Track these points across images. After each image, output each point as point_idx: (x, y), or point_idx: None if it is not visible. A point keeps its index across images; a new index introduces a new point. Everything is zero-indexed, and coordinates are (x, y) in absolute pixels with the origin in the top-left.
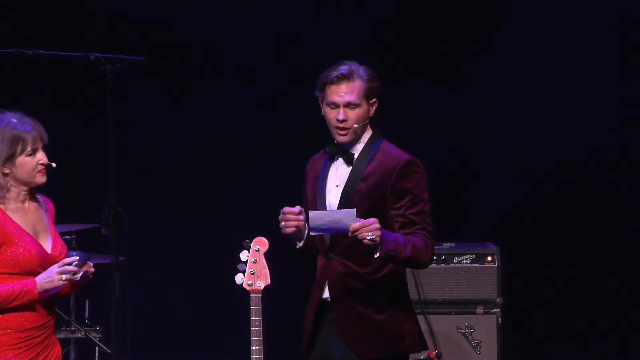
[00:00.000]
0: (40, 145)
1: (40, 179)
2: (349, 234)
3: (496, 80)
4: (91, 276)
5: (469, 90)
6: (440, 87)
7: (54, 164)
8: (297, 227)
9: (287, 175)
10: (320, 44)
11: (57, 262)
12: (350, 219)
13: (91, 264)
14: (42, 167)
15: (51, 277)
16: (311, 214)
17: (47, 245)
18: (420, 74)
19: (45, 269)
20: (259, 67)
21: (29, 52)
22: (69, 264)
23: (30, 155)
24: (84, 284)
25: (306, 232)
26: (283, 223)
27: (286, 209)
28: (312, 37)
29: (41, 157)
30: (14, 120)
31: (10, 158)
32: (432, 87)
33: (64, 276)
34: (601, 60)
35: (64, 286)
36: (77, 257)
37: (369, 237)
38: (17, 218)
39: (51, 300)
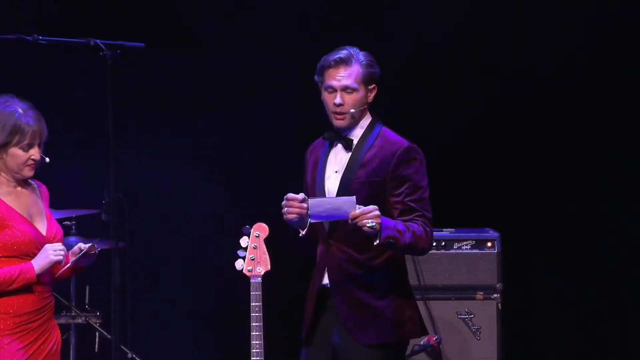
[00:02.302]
0: (37, 141)
1: (28, 173)
2: (349, 221)
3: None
4: (94, 257)
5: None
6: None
7: (47, 159)
8: (299, 214)
9: (288, 161)
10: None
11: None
12: (350, 206)
13: (96, 245)
14: (33, 162)
15: (45, 254)
16: (311, 201)
17: (42, 228)
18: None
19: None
20: (261, 58)
21: (28, 37)
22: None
23: (24, 148)
24: (86, 267)
25: (308, 220)
26: (285, 209)
27: (290, 195)
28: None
29: (34, 152)
30: (20, 111)
31: (5, 146)
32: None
33: (58, 251)
34: None
35: (62, 264)
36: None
37: (368, 225)
38: (10, 201)
39: (49, 284)
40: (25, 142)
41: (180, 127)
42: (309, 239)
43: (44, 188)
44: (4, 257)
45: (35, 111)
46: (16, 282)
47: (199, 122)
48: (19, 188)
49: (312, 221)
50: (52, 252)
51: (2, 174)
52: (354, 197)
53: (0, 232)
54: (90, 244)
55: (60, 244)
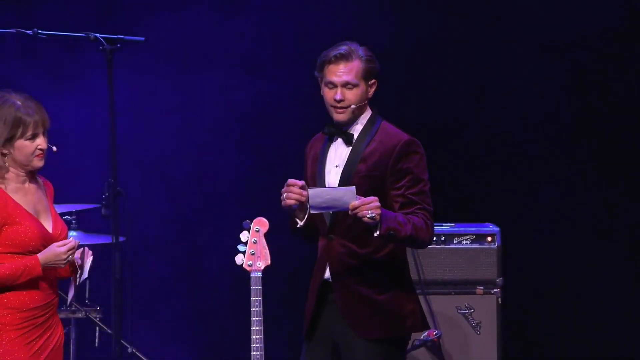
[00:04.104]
0: (41, 130)
1: (38, 163)
2: (349, 212)
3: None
4: (92, 260)
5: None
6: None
7: (54, 148)
8: (297, 200)
9: (288, 156)
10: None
11: (58, 242)
12: (350, 196)
13: (86, 248)
14: (41, 151)
15: (57, 258)
16: (311, 191)
17: (48, 224)
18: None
19: (46, 248)
20: (264, 51)
21: (28, 32)
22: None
23: (29, 139)
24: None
25: (307, 211)
26: (285, 195)
27: (291, 180)
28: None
29: (40, 142)
30: (18, 103)
31: (10, 140)
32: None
33: (69, 257)
34: None
35: (66, 269)
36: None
37: (368, 215)
38: (17, 198)
39: (54, 279)
40: (29, 132)
41: (180, 123)
42: (308, 234)
43: (49, 185)
44: (10, 253)
45: (34, 101)
46: (22, 276)
47: (199, 117)
48: (27, 184)
49: (313, 212)
50: (61, 258)
51: (11, 169)
52: (354, 187)
53: (8, 229)
54: (80, 251)
55: (71, 243)
